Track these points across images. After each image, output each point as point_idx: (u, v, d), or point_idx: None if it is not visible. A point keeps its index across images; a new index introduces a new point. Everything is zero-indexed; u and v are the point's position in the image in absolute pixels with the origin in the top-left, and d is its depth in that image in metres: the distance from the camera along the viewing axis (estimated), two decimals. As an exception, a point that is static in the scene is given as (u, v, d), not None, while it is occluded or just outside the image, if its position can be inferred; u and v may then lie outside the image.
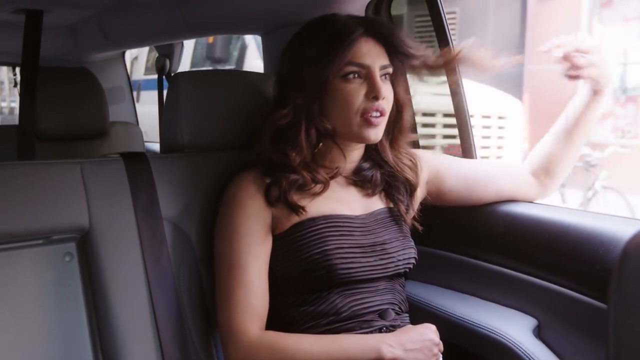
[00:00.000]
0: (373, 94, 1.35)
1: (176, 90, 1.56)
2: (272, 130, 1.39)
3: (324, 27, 1.39)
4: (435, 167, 1.56)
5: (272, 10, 1.94)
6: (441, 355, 1.39)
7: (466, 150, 1.84)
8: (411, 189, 1.48)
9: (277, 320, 1.39)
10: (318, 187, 1.39)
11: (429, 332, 1.35)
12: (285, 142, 1.38)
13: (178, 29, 2.48)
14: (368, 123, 1.35)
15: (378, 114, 1.36)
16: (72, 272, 1.40)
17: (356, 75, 1.35)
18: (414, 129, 1.50)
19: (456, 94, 1.83)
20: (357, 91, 1.35)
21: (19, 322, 1.34)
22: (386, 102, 1.37)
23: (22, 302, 1.35)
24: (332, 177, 1.42)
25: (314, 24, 1.42)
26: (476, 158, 1.83)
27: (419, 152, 1.55)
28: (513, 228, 1.55)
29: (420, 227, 1.52)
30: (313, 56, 1.36)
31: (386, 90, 1.37)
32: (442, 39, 1.77)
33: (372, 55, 1.36)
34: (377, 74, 1.36)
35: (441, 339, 1.39)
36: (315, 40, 1.38)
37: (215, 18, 2.25)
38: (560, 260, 1.45)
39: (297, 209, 1.36)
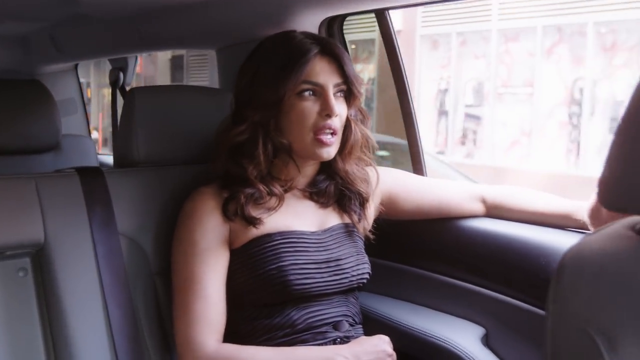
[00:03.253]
0: (326, 112, 1.38)
1: (132, 105, 1.57)
2: (230, 145, 1.41)
3: (281, 45, 1.42)
4: (389, 186, 1.59)
5: (226, 27, 1.97)
6: None
7: (416, 163, 1.89)
8: (362, 200, 1.51)
9: (234, 334, 1.40)
10: (273, 201, 1.41)
11: (382, 343, 1.39)
12: (243, 157, 1.40)
13: (132, 42, 2.48)
14: (320, 142, 1.39)
15: (330, 132, 1.39)
16: (26, 287, 1.39)
17: (311, 93, 1.38)
18: (369, 145, 1.51)
19: (405, 109, 1.89)
20: (311, 109, 1.38)
21: None
22: (338, 119, 1.40)
23: None
24: (286, 191, 1.44)
25: (271, 41, 1.45)
26: (425, 175, 1.88)
27: (377, 170, 1.57)
28: (462, 241, 1.60)
29: (372, 238, 1.55)
30: (269, 74, 1.39)
31: (339, 108, 1.40)
32: (393, 58, 1.83)
33: (326, 73, 1.39)
34: (331, 92, 1.39)
35: (394, 349, 1.42)
36: (272, 58, 1.41)
37: (169, 33, 2.25)
38: (506, 271, 1.50)
39: (254, 221, 1.38)
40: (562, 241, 1.42)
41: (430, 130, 9.31)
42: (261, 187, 1.40)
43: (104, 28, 2.44)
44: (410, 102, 1.90)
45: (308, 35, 1.45)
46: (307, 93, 1.38)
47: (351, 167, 1.49)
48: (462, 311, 1.59)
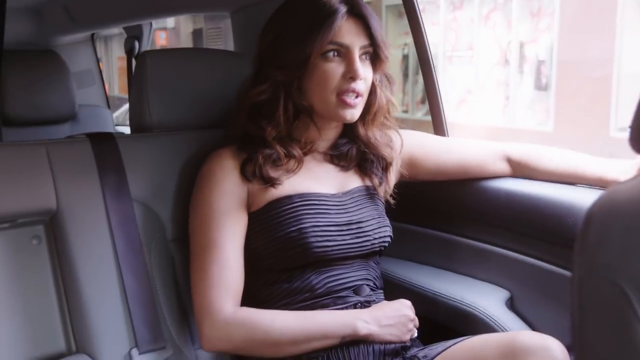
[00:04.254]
0: (350, 75, 1.34)
1: (143, 68, 1.53)
2: (250, 105, 1.39)
3: (308, 4, 1.37)
4: (409, 148, 1.55)
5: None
6: (416, 330, 1.39)
7: (437, 127, 1.85)
8: (385, 164, 1.48)
9: (252, 298, 1.38)
10: (292, 163, 1.39)
11: (403, 308, 1.36)
12: (263, 117, 1.38)
13: (146, 9, 2.45)
14: (344, 103, 1.35)
15: (354, 95, 1.35)
16: (40, 255, 1.38)
17: (335, 54, 1.35)
18: (394, 108, 1.47)
19: (427, 74, 1.84)
20: (335, 70, 1.34)
21: None
22: (363, 82, 1.37)
23: None
24: (305, 154, 1.41)
25: (297, 1, 1.40)
26: (447, 135, 1.83)
27: (401, 134, 1.53)
28: (485, 202, 1.56)
29: (392, 203, 1.51)
30: (295, 34, 1.35)
31: (364, 71, 1.36)
32: (414, 21, 1.77)
33: (353, 35, 1.35)
34: (356, 54, 1.35)
35: (416, 313, 1.39)
36: (297, 18, 1.37)
37: (182, -4, 2.22)
38: (531, 233, 1.46)
39: (272, 181, 1.36)
40: (589, 200, 1.36)
41: (397, 92, 10.01)
42: (279, 148, 1.37)
43: (117, -5, 2.41)
44: (432, 65, 1.85)
45: None
46: (331, 54, 1.34)
47: (373, 133, 1.46)
48: (485, 274, 1.56)
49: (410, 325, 1.36)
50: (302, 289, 1.36)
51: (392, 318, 1.33)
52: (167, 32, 15.31)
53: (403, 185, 1.55)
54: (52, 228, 1.38)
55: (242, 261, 1.36)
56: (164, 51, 1.67)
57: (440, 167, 1.58)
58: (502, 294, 1.51)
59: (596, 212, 0.66)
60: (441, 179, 1.59)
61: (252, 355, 1.35)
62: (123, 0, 2.47)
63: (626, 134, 0.70)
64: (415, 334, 1.39)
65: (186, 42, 14.37)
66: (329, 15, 1.33)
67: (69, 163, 1.41)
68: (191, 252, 1.38)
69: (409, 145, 1.55)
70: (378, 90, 1.43)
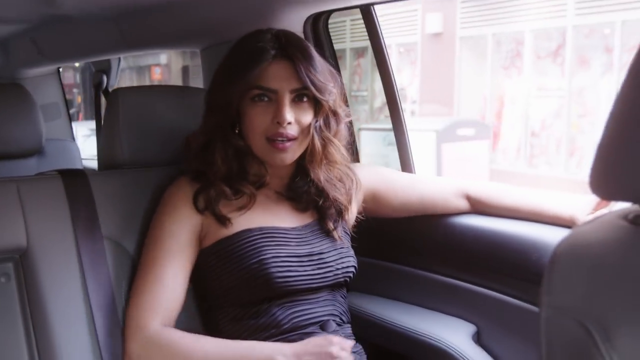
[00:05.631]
0: (277, 119, 1.34)
1: (115, 106, 1.54)
2: (192, 147, 1.43)
3: (242, 48, 1.39)
4: (373, 184, 1.58)
5: (210, 26, 1.95)
6: None
7: (405, 164, 1.89)
8: (340, 208, 1.48)
9: (218, 334, 1.38)
10: (245, 199, 1.40)
11: (327, 344, 1.30)
12: (206, 158, 1.41)
13: (115, 44, 2.45)
14: (273, 147, 1.36)
15: (283, 138, 1.35)
16: (9, 293, 1.36)
17: (265, 99, 1.36)
18: (336, 148, 1.45)
19: (395, 114, 1.88)
20: (263, 115, 1.35)
21: None
22: (296, 126, 1.36)
23: None
24: (258, 188, 1.43)
25: (239, 43, 1.42)
26: (414, 172, 1.87)
27: (358, 169, 1.55)
28: (452, 238, 1.59)
29: (354, 236, 1.53)
30: (223, 77, 1.39)
31: (299, 115, 1.36)
32: (380, 56, 1.82)
33: (282, 79, 1.35)
34: (286, 98, 1.35)
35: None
36: (227, 62, 1.41)
37: (152, 33, 2.23)
38: (497, 268, 1.49)
39: (223, 220, 1.38)
40: (553, 236, 1.41)
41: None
42: (224, 188, 1.39)
43: (86, 30, 2.41)
44: (399, 102, 1.90)
45: (277, 35, 1.39)
46: (260, 98, 1.36)
47: (324, 174, 1.45)
48: (453, 309, 1.58)
49: None
50: (268, 325, 1.36)
51: (314, 354, 1.28)
52: (161, 67, 16.52)
53: (370, 220, 1.57)
54: (22, 266, 1.37)
55: (180, 285, 1.37)
56: (134, 89, 1.68)
57: (404, 203, 1.61)
58: (469, 328, 1.53)
59: (561, 254, 0.69)
60: (404, 215, 1.63)
61: None
62: (93, 35, 2.47)
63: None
64: None
65: (177, 76, 15.84)
66: (253, 59, 1.34)
67: (40, 200, 1.40)
68: (136, 273, 1.40)
69: (373, 181, 1.58)
70: (312, 131, 1.39)
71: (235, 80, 1.34)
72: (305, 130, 1.38)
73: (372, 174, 1.60)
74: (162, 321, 1.33)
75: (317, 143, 1.39)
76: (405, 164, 1.88)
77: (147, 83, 15.98)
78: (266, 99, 1.35)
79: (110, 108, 1.56)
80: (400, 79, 11.05)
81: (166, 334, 1.32)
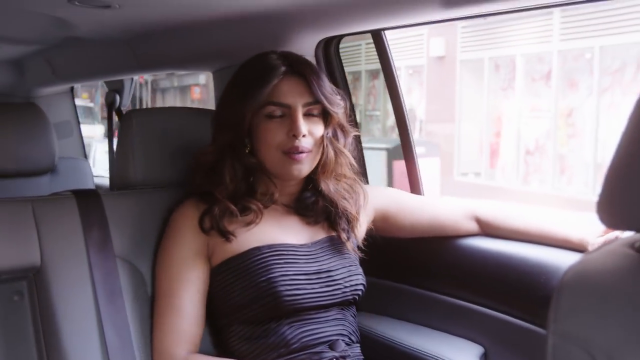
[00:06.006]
0: (292, 133, 1.38)
1: (129, 127, 1.57)
2: (200, 166, 1.44)
3: (251, 67, 1.43)
4: (383, 204, 1.60)
5: (223, 49, 1.98)
6: None
7: (413, 185, 1.90)
8: (350, 218, 1.50)
9: (229, 354, 1.40)
10: (251, 216, 1.42)
11: None
12: (214, 176, 1.42)
13: (128, 65, 2.48)
14: (290, 159, 1.39)
15: (299, 151, 1.39)
16: (22, 311, 1.38)
17: (278, 114, 1.39)
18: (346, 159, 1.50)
19: (404, 134, 1.90)
20: (278, 129, 1.39)
21: None
22: (310, 139, 1.40)
23: None
24: (266, 206, 1.45)
25: (247, 63, 1.46)
26: (423, 194, 1.88)
27: (367, 189, 1.57)
28: (461, 259, 1.60)
29: (362, 255, 1.54)
30: (234, 95, 1.41)
31: (311, 128, 1.40)
32: (390, 79, 1.84)
33: (294, 94, 1.40)
34: (299, 112, 1.39)
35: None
36: (239, 80, 1.43)
37: (165, 55, 2.27)
38: (505, 290, 1.50)
39: (227, 235, 1.40)
40: (561, 259, 1.42)
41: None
42: (230, 206, 1.40)
43: (100, 50, 2.45)
44: (407, 123, 1.92)
45: (283, 55, 1.44)
46: (273, 113, 1.39)
47: (333, 186, 1.48)
48: (461, 330, 1.59)
49: None
50: (277, 345, 1.37)
51: None
52: (200, 87, 17.47)
53: (379, 241, 1.58)
54: (35, 284, 1.38)
55: (199, 310, 1.40)
56: (148, 110, 1.72)
57: (414, 224, 1.62)
58: (476, 350, 1.54)
59: (568, 282, 0.70)
60: (414, 236, 1.64)
61: None
62: (104, 56, 2.51)
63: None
64: None
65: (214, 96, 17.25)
66: (265, 76, 1.38)
67: (54, 220, 1.42)
68: (153, 300, 1.42)
69: (383, 201, 1.60)
70: (325, 143, 1.44)
71: (248, 98, 1.37)
72: (317, 143, 1.42)
73: (382, 195, 1.62)
74: (188, 348, 1.37)
75: (331, 153, 1.44)
76: (414, 185, 1.89)
77: (189, 101, 17.41)
78: (279, 114, 1.39)
79: (124, 129, 1.59)
80: (410, 99, 11.56)
81: None
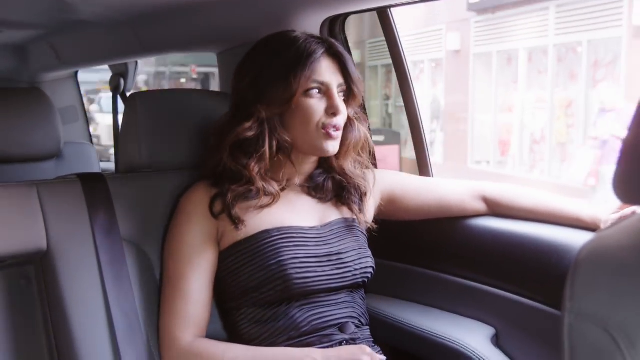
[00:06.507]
0: (332, 111, 1.40)
1: (134, 110, 1.55)
2: (234, 142, 1.40)
3: (288, 44, 1.42)
4: (388, 187, 1.59)
5: (227, 30, 1.95)
6: None
7: (422, 166, 1.89)
8: (362, 193, 1.52)
9: (239, 337, 1.40)
10: (267, 199, 1.41)
11: (360, 353, 1.32)
12: (245, 153, 1.40)
13: (132, 48, 2.47)
14: (327, 136, 1.40)
15: (335, 128, 1.41)
16: (29, 295, 1.38)
17: (317, 92, 1.40)
18: (367, 147, 1.53)
19: (411, 112, 1.89)
20: (318, 106, 1.40)
21: None
22: (342, 117, 1.42)
23: None
24: (283, 189, 1.44)
25: (275, 39, 1.46)
26: (432, 176, 1.87)
27: (374, 171, 1.58)
28: (471, 240, 1.59)
29: (374, 234, 1.54)
30: (279, 72, 1.39)
31: (342, 107, 1.42)
32: (397, 57, 1.82)
33: (331, 73, 1.42)
34: (335, 91, 1.41)
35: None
36: (280, 57, 1.41)
37: (169, 37, 2.25)
38: (516, 270, 1.49)
39: (238, 222, 1.38)
40: (573, 238, 1.40)
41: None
42: (260, 184, 1.40)
43: (103, 34, 2.43)
44: (416, 105, 1.90)
45: (311, 35, 1.47)
46: (314, 91, 1.40)
47: (348, 165, 1.50)
48: (471, 311, 1.58)
49: None
50: (287, 328, 1.37)
51: None
52: None
53: (388, 223, 1.57)
54: (42, 268, 1.38)
55: (207, 294, 1.40)
56: (153, 92, 1.70)
57: (420, 206, 1.61)
58: (487, 331, 1.53)
59: (584, 259, 0.69)
60: (421, 218, 1.63)
61: None
62: (110, 39, 2.50)
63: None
64: None
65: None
66: (311, 53, 1.39)
67: (60, 203, 1.41)
68: (161, 283, 1.42)
69: (389, 184, 1.59)
70: (356, 123, 1.48)
71: (296, 75, 1.38)
72: (344, 122, 1.45)
73: (388, 177, 1.61)
74: (194, 332, 1.37)
75: (356, 132, 1.48)
76: (423, 167, 1.88)
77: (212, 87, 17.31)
78: (318, 92, 1.40)
79: (128, 112, 1.57)
80: (436, 91, 12.06)
81: (198, 347, 1.35)
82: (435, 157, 11.44)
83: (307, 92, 1.39)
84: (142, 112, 1.55)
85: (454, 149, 11.45)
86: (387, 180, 1.60)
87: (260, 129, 1.40)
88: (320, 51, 1.41)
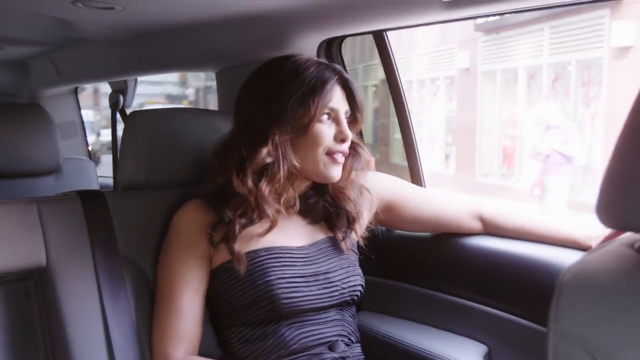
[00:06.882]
0: (341, 137, 1.42)
1: (133, 128, 1.57)
2: (256, 168, 1.38)
3: (302, 69, 1.42)
4: (389, 194, 1.60)
5: (226, 50, 1.98)
6: None
7: (415, 177, 1.91)
8: (351, 218, 1.51)
9: (231, 355, 1.41)
10: (264, 227, 1.40)
11: None
12: (254, 177, 1.38)
13: (131, 65, 2.49)
14: (333, 161, 1.42)
15: (341, 154, 1.43)
16: (29, 311, 1.39)
17: (327, 117, 1.42)
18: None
19: (404, 125, 1.91)
20: (327, 132, 1.42)
21: None
22: (348, 143, 1.44)
23: None
24: (280, 213, 1.43)
25: (286, 63, 1.44)
26: (424, 186, 1.89)
27: (376, 177, 1.59)
28: (464, 258, 1.61)
29: (362, 257, 1.54)
30: (296, 96, 1.39)
31: (349, 133, 1.44)
32: (392, 79, 1.85)
33: (340, 100, 1.44)
34: (344, 117, 1.44)
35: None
36: (295, 81, 1.40)
37: (168, 56, 2.27)
38: (509, 289, 1.50)
39: (237, 257, 1.38)
40: (566, 257, 1.43)
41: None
42: (268, 208, 1.39)
43: (104, 51, 2.46)
44: (408, 117, 1.92)
45: (317, 60, 1.47)
46: (324, 117, 1.42)
47: (345, 188, 1.50)
48: (464, 329, 1.59)
49: None
50: (276, 346, 1.38)
51: None
52: None
53: (382, 240, 1.59)
54: (41, 284, 1.39)
55: (198, 310, 1.40)
56: (152, 111, 1.71)
57: (417, 216, 1.62)
58: (480, 349, 1.54)
59: (567, 281, 0.71)
60: (416, 230, 1.64)
61: None
62: (109, 57, 2.52)
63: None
64: None
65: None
66: (327, 80, 1.41)
67: (60, 220, 1.43)
68: (154, 300, 1.43)
69: (390, 191, 1.60)
70: (359, 149, 1.49)
71: (314, 100, 1.39)
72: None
73: (388, 183, 1.62)
74: (186, 349, 1.37)
75: (363, 156, 1.50)
76: (416, 177, 1.90)
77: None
78: (326, 117, 1.42)
79: (128, 130, 1.59)
80: (450, 106, 12.70)
81: None
82: (449, 169, 12.46)
83: (319, 118, 1.41)
84: (142, 130, 1.57)
85: (465, 161, 11.97)
86: (388, 187, 1.61)
87: (276, 154, 1.39)
88: (334, 78, 1.42)
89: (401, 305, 1.74)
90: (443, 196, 1.68)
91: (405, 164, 1.93)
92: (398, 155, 11.78)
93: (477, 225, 1.62)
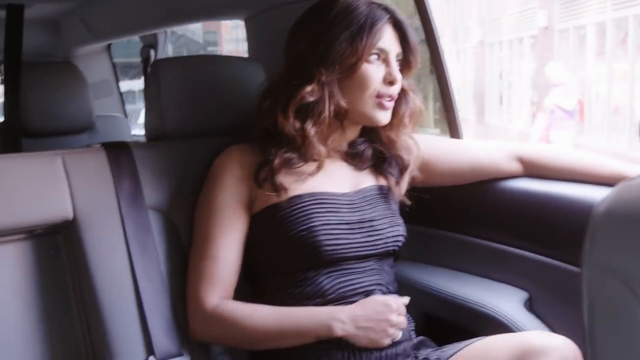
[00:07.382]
0: (390, 79, 1.37)
1: (157, 77, 1.54)
2: (294, 104, 1.35)
3: (352, 9, 1.37)
4: (423, 152, 1.55)
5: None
6: (400, 333, 1.34)
7: (452, 129, 1.85)
8: (402, 166, 1.48)
9: (266, 303, 1.38)
10: (312, 167, 1.38)
11: (387, 311, 1.31)
12: (301, 117, 1.35)
13: (160, 17, 2.47)
14: (381, 106, 1.38)
15: (389, 98, 1.38)
16: (57, 264, 1.39)
17: (377, 58, 1.37)
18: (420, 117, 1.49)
19: (440, 76, 1.84)
20: (376, 74, 1.37)
21: (5, 317, 1.33)
22: (398, 87, 1.40)
23: (7, 297, 1.34)
24: (329, 156, 1.41)
25: (336, 2, 1.39)
26: (461, 137, 1.83)
27: (416, 140, 1.53)
28: (502, 202, 1.55)
29: (408, 203, 1.50)
30: (344, 36, 1.35)
31: (399, 76, 1.39)
32: (425, 21, 1.79)
33: (392, 41, 1.39)
34: (394, 59, 1.38)
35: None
36: (343, 20, 1.36)
37: (197, 4, 2.24)
38: (549, 232, 1.44)
39: (280, 189, 1.35)
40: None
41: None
42: (314, 148, 1.36)
43: (132, 5, 2.44)
44: (444, 66, 1.86)
45: (372, 1, 1.42)
46: (373, 57, 1.37)
47: (397, 136, 1.46)
48: (503, 276, 1.54)
49: (391, 331, 1.31)
50: (313, 294, 1.35)
51: (371, 321, 1.30)
52: None
53: (418, 188, 1.54)
54: (69, 238, 1.39)
55: (235, 256, 1.38)
56: (176, 59, 1.69)
57: (454, 170, 1.57)
58: (520, 295, 1.49)
59: (603, 212, 0.66)
60: (455, 183, 1.59)
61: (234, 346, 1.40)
62: (138, 10, 2.50)
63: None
64: (398, 337, 1.34)
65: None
66: (378, 19, 1.36)
67: (85, 172, 1.42)
68: (190, 247, 1.42)
69: (422, 149, 1.54)
70: (410, 95, 1.44)
71: (363, 39, 1.34)
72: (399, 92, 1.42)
73: (420, 142, 1.56)
74: (221, 294, 1.36)
75: (415, 103, 1.45)
76: (453, 128, 1.84)
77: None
78: (376, 57, 1.37)
79: (151, 80, 1.56)
80: (535, 65, 12.72)
81: (224, 308, 1.34)
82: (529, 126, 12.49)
83: (368, 58, 1.36)
84: (165, 79, 1.54)
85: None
86: (421, 145, 1.55)
87: (321, 93, 1.36)
88: (385, 17, 1.37)
89: (438, 253, 1.70)
90: (477, 144, 1.64)
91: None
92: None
93: (516, 167, 1.55)
